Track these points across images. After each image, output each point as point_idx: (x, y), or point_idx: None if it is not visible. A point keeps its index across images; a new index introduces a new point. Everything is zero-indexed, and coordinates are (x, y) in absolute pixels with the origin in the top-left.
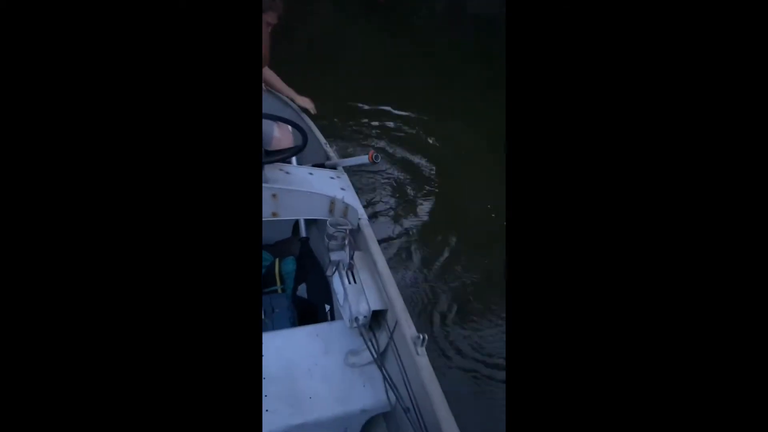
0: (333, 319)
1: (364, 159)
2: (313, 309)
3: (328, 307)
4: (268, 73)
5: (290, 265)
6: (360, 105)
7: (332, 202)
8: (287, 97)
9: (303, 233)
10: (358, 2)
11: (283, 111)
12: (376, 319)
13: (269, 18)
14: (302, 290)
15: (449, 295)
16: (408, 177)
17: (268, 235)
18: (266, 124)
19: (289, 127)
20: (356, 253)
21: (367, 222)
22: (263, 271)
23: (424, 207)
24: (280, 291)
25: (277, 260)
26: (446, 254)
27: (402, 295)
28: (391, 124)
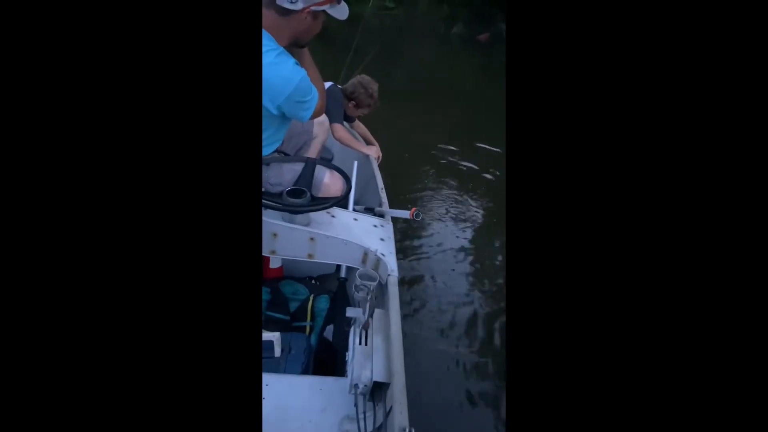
0: None
1: (405, 213)
2: (334, 354)
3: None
4: (341, 131)
5: (324, 303)
6: (446, 146)
7: (365, 252)
8: (355, 149)
9: (343, 273)
10: (459, 39)
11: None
12: (380, 389)
13: (365, 111)
14: (329, 331)
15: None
16: (472, 225)
17: (312, 267)
18: (319, 170)
19: (340, 175)
20: (376, 311)
21: (395, 279)
22: (297, 304)
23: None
24: (308, 328)
25: (312, 296)
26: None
27: (407, 367)
28: (473, 165)
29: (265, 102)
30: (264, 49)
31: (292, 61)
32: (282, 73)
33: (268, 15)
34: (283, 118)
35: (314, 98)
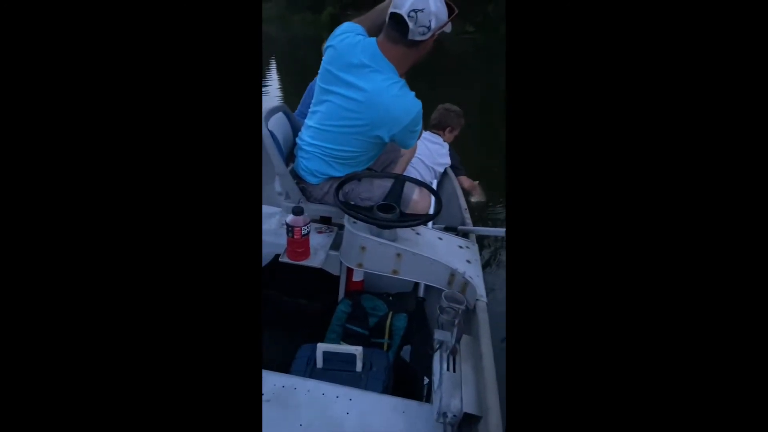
0: (429, 396)
1: (501, 232)
2: (411, 377)
3: (426, 381)
4: (468, 181)
5: (402, 321)
6: None
7: (452, 274)
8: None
9: (421, 293)
10: None
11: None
12: (469, 422)
13: (457, 133)
14: (406, 352)
15: None
16: None
17: (390, 284)
18: (408, 187)
19: (430, 194)
20: (464, 338)
21: (485, 305)
22: (376, 320)
23: None
24: (386, 346)
25: (391, 313)
26: None
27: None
28: None
29: (381, 132)
30: (390, 81)
31: (412, 94)
32: (404, 105)
33: (395, 49)
34: (385, 143)
35: (421, 128)
